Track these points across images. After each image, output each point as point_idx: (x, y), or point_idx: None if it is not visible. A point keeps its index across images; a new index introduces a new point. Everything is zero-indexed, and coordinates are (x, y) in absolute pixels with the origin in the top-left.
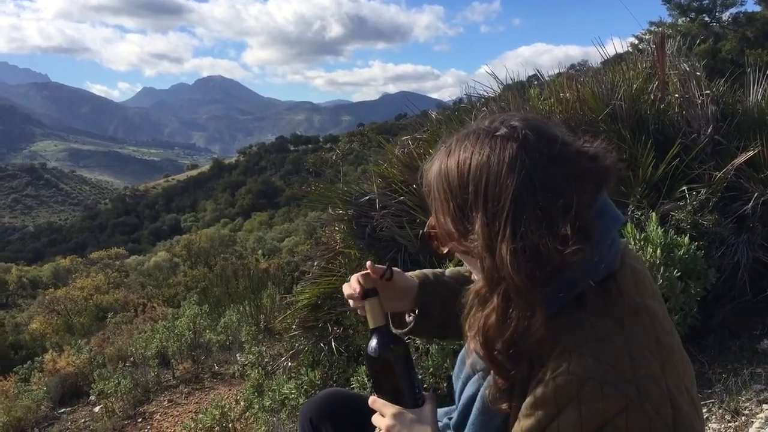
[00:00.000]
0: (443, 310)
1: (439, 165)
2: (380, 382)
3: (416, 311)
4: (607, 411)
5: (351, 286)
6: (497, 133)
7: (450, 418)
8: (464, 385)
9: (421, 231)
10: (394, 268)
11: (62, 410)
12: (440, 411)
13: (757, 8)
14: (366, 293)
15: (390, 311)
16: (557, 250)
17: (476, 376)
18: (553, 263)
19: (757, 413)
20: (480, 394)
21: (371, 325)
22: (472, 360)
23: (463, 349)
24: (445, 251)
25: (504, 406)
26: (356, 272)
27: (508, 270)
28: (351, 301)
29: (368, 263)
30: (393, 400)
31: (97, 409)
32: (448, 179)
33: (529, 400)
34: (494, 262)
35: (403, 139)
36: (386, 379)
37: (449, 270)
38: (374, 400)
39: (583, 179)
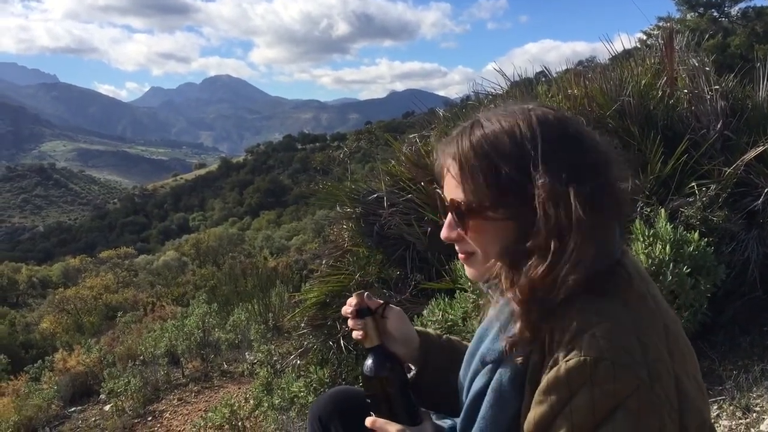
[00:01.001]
0: (440, 377)
1: (479, 135)
2: (377, 401)
3: (414, 369)
4: (619, 393)
5: (346, 306)
6: (530, 109)
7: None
8: (472, 380)
9: (429, 228)
10: (393, 307)
11: (72, 409)
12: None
13: (766, 3)
14: (359, 312)
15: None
16: (615, 196)
17: (486, 368)
18: (612, 210)
19: None
20: (492, 385)
21: (366, 345)
22: (482, 350)
23: (468, 347)
24: (453, 236)
25: (519, 359)
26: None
27: (578, 213)
28: (350, 322)
29: (365, 294)
30: (390, 418)
31: (107, 407)
32: (498, 144)
33: (542, 386)
34: (558, 211)
35: (411, 136)
36: (383, 398)
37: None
38: (374, 421)
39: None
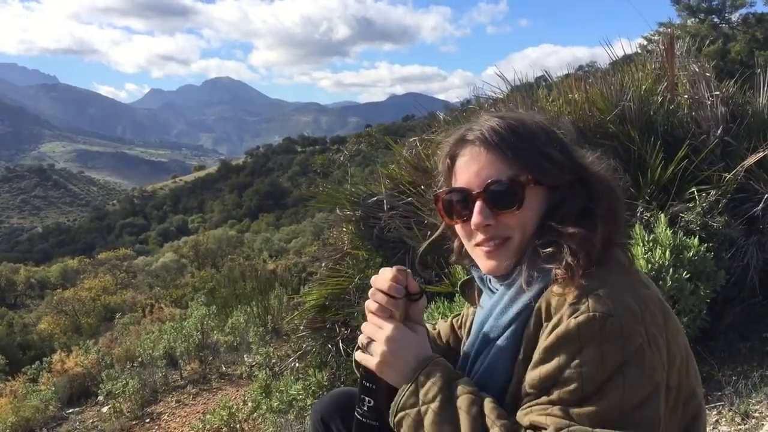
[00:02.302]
0: None
1: (498, 118)
2: (373, 382)
3: None
4: (627, 348)
5: (381, 279)
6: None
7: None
8: (476, 357)
9: (429, 232)
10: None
11: (70, 410)
12: None
13: (767, 9)
14: (398, 291)
15: None
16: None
17: (491, 342)
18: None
19: (767, 416)
20: (492, 357)
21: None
22: (486, 330)
23: (470, 337)
24: (490, 221)
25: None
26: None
27: (616, 185)
28: (379, 297)
29: (409, 272)
30: (387, 400)
31: (105, 409)
32: (524, 124)
33: (548, 342)
34: (602, 182)
35: (411, 140)
36: (379, 380)
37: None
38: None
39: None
